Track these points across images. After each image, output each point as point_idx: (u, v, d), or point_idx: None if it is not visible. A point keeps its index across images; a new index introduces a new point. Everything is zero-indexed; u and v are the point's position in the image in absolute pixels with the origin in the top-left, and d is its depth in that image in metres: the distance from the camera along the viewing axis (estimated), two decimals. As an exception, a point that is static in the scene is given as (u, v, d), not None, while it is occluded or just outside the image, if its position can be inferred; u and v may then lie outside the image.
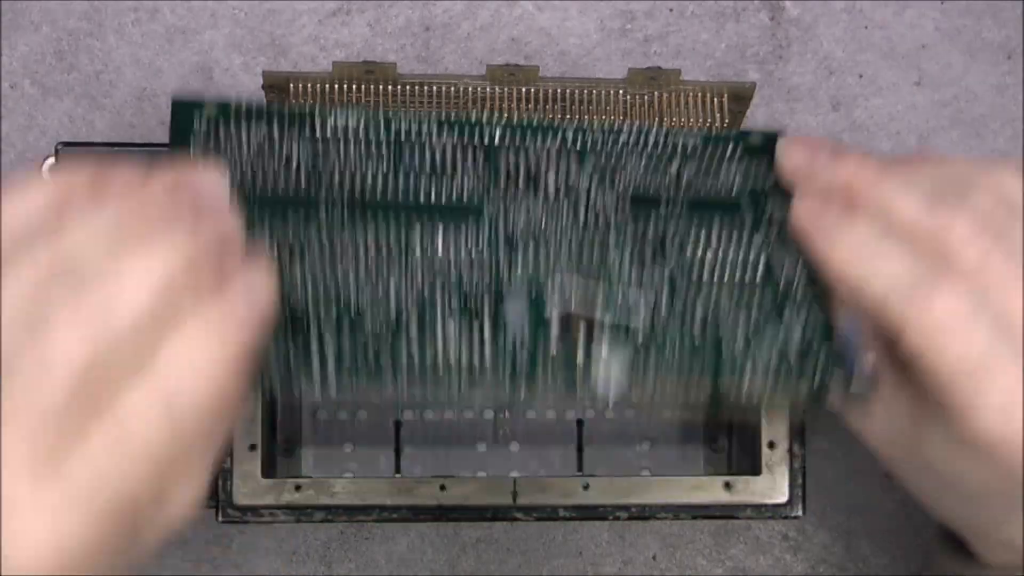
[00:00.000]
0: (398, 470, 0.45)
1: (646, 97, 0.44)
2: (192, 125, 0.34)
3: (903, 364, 0.33)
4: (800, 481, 0.43)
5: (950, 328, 0.31)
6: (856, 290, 0.33)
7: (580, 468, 0.46)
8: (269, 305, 0.31)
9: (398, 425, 0.45)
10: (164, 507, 0.29)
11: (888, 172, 0.34)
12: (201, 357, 0.28)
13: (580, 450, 0.46)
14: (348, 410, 0.45)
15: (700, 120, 0.44)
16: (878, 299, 0.33)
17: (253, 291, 0.30)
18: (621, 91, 0.44)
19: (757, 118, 0.53)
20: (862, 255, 0.33)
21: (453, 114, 0.36)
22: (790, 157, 0.36)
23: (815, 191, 0.35)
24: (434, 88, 0.43)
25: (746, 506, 0.43)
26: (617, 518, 0.42)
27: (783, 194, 0.35)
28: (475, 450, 0.45)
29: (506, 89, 0.43)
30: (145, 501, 0.28)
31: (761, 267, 0.34)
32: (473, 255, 0.33)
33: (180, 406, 0.28)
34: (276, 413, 0.43)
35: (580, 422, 0.46)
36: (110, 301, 0.28)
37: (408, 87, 0.43)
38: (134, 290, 0.28)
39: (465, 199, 0.35)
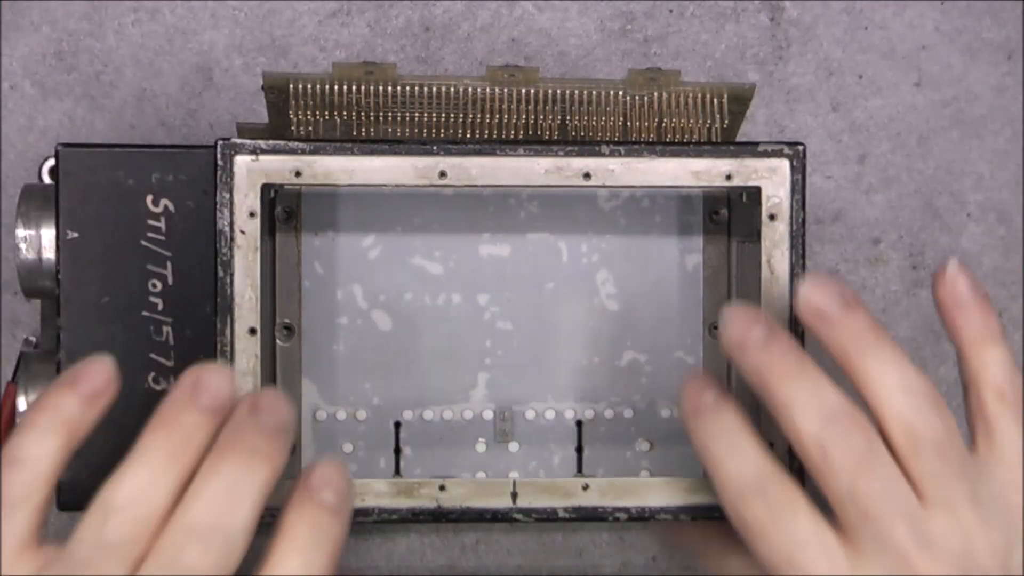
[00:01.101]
0: (397, 472, 0.45)
1: (646, 98, 0.44)
2: None
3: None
4: (799, 482, 0.43)
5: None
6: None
7: (580, 469, 0.46)
8: None
9: (397, 425, 0.45)
10: None
11: (803, 376, 0.37)
12: None
13: (579, 451, 0.46)
14: (347, 410, 0.45)
15: (700, 121, 0.44)
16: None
17: None
18: (621, 92, 0.44)
19: (757, 118, 0.53)
20: (719, 447, 0.38)
21: None
22: (809, 298, 0.38)
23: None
24: (434, 89, 0.43)
25: (746, 507, 0.43)
26: (617, 519, 0.42)
27: None
28: (475, 450, 0.46)
29: (506, 90, 0.43)
30: None
31: None
32: None
33: None
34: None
35: (579, 423, 0.46)
36: None
37: (408, 88, 0.43)
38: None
39: None
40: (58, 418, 0.36)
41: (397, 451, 0.45)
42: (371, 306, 0.45)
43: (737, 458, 0.37)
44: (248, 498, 0.35)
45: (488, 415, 0.45)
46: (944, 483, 0.37)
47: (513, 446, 0.45)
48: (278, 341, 0.44)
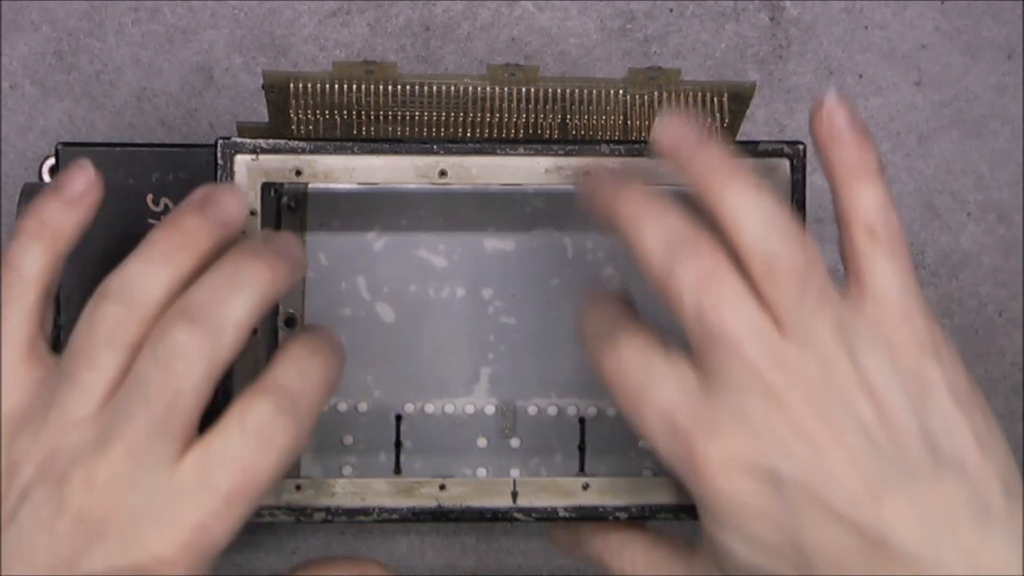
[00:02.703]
0: (398, 469, 0.45)
1: (646, 97, 0.44)
2: None
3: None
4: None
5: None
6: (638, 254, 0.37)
7: (582, 468, 0.46)
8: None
9: (399, 419, 0.45)
10: None
11: (649, 205, 0.37)
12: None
13: (582, 449, 0.46)
14: (348, 402, 0.45)
15: (700, 120, 0.44)
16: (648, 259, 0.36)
17: None
18: (621, 91, 0.44)
19: (757, 118, 0.53)
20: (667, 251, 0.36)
21: None
22: (663, 134, 0.38)
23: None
24: (434, 88, 0.43)
25: (746, 506, 0.43)
26: (617, 518, 0.42)
27: None
28: (476, 445, 0.45)
29: (506, 89, 0.43)
30: None
31: None
32: None
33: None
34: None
35: (582, 420, 0.46)
36: None
37: (408, 87, 0.43)
38: None
39: None
40: (42, 223, 0.36)
41: (398, 444, 0.45)
42: (375, 298, 0.45)
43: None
44: (245, 291, 0.35)
45: (490, 410, 0.45)
46: (803, 312, 0.35)
47: (515, 442, 0.45)
48: (280, 332, 0.44)
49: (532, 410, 0.45)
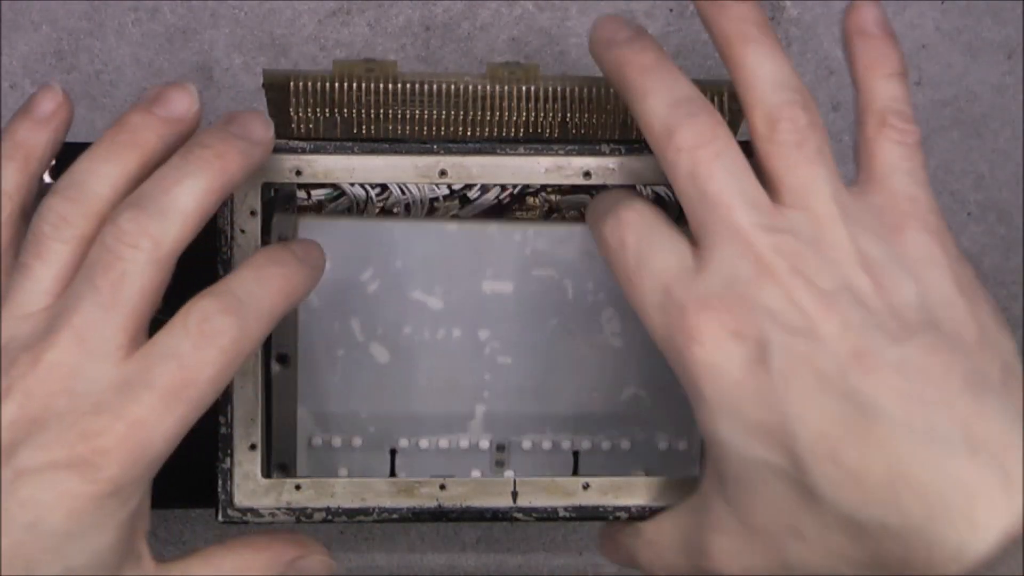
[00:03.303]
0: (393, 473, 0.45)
1: (646, 96, 0.44)
2: None
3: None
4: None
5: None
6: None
7: (575, 472, 0.45)
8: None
9: (392, 453, 0.45)
10: None
11: (659, 68, 0.37)
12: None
13: (576, 454, 0.45)
14: (343, 437, 0.45)
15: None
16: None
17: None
18: (621, 90, 0.44)
19: (757, 118, 0.54)
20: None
21: None
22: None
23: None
24: (434, 86, 0.43)
25: (746, 506, 0.43)
26: (617, 518, 0.42)
27: None
28: (470, 477, 0.45)
29: (506, 88, 0.43)
30: None
31: None
32: None
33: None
34: (271, 438, 0.43)
35: (576, 453, 0.45)
36: None
37: (409, 85, 0.43)
38: None
39: None
40: (14, 143, 0.37)
41: (392, 475, 0.45)
42: (368, 339, 0.44)
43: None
44: (191, 178, 0.35)
45: (484, 445, 0.45)
46: (798, 171, 0.35)
47: (508, 473, 0.45)
48: (273, 368, 0.44)
49: (527, 444, 0.45)
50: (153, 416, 0.33)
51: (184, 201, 0.35)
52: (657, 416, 0.45)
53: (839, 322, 0.34)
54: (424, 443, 0.45)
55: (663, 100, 0.36)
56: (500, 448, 0.45)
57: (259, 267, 0.36)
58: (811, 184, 0.35)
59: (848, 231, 0.35)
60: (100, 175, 0.36)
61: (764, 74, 0.36)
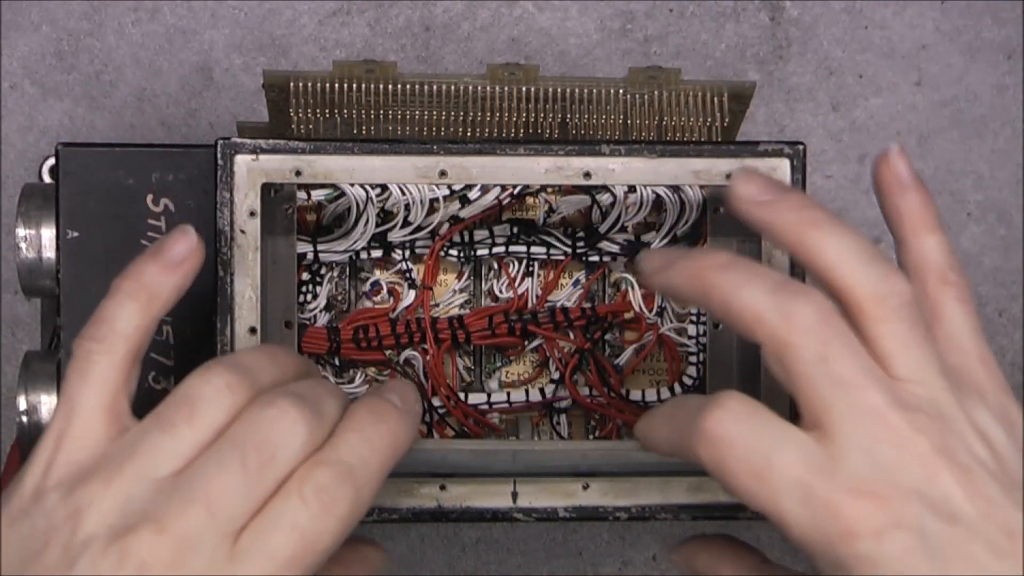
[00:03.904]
0: None
1: (646, 96, 0.44)
2: None
3: None
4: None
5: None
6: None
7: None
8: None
9: None
10: None
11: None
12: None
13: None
14: None
15: (700, 120, 0.44)
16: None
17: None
18: (621, 90, 0.44)
19: (757, 118, 0.53)
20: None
21: None
22: (742, 190, 0.37)
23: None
24: (434, 87, 0.43)
25: (746, 506, 0.43)
26: (617, 518, 0.42)
27: None
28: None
29: (506, 88, 0.43)
30: None
31: None
32: None
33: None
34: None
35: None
36: None
37: (408, 86, 0.43)
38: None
39: None
40: (140, 284, 0.36)
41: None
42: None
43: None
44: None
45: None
46: (913, 353, 0.35)
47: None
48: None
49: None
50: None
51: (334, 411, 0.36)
52: None
53: (984, 500, 0.34)
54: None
55: (761, 291, 0.35)
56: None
57: (363, 428, 0.36)
58: (926, 361, 0.35)
59: (959, 401, 0.35)
60: (265, 360, 0.36)
61: (852, 252, 0.36)
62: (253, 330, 0.41)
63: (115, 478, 0.33)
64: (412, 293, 0.46)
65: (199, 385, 0.35)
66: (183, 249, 0.37)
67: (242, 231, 0.41)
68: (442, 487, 0.42)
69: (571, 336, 0.47)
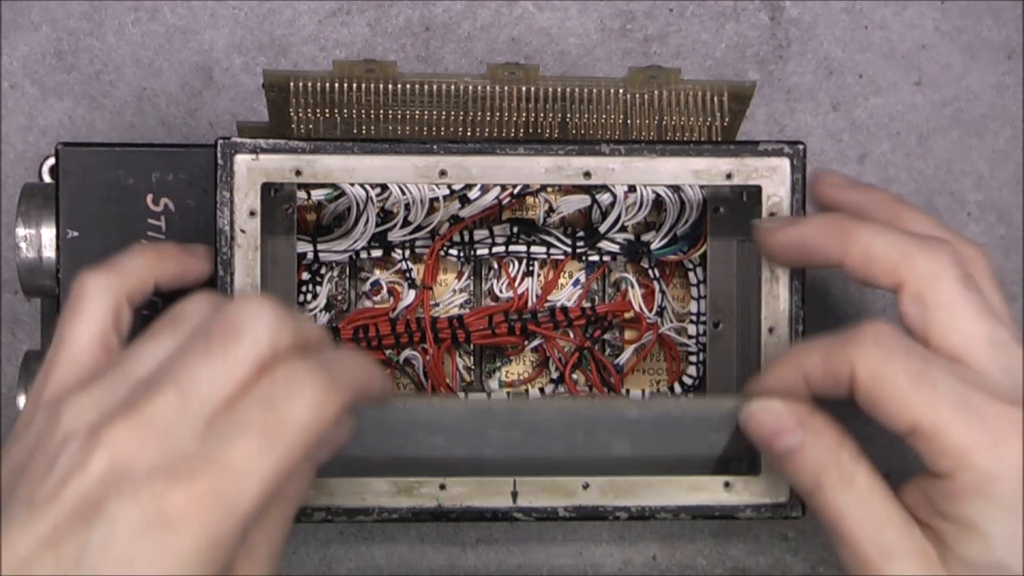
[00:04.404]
0: None
1: (646, 96, 0.44)
2: None
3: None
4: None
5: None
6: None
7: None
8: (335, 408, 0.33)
9: None
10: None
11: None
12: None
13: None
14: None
15: (700, 119, 0.44)
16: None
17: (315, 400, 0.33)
18: (621, 90, 0.44)
19: (757, 118, 0.53)
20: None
21: None
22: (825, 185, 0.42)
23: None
24: (434, 87, 0.43)
25: (746, 506, 0.43)
26: (617, 518, 0.42)
27: None
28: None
29: (506, 88, 0.43)
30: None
31: None
32: None
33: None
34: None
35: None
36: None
37: (408, 86, 0.43)
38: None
39: None
40: (152, 247, 0.40)
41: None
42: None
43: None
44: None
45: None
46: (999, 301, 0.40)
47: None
48: None
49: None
50: (247, 462, 0.32)
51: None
52: None
53: None
54: None
55: (900, 233, 0.40)
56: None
57: (342, 350, 0.36)
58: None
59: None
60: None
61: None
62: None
63: (95, 384, 0.34)
64: (412, 293, 0.46)
65: (182, 304, 0.35)
66: (204, 251, 0.41)
67: (242, 231, 0.41)
68: (442, 487, 0.42)
69: (571, 336, 0.47)
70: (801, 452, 0.38)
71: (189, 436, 0.32)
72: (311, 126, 0.43)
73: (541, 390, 0.47)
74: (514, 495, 0.42)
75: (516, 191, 0.44)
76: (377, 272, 0.47)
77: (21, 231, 0.43)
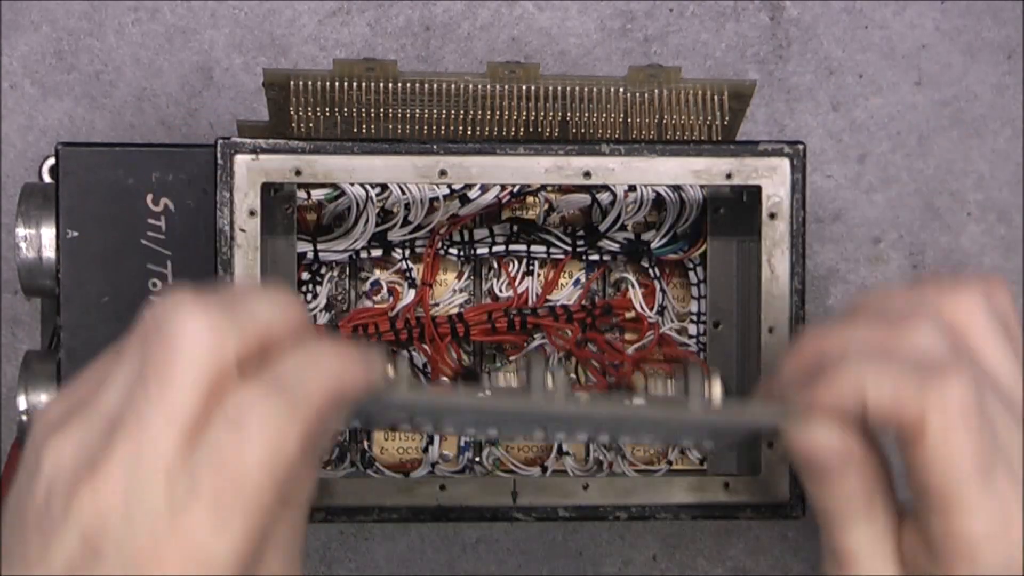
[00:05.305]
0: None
1: (646, 95, 0.44)
2: None
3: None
4: (800, 481, 0.43)
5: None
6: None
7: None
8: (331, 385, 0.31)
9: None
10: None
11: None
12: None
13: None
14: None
15: (700, 118, 0.44)
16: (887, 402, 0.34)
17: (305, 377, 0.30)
18: (621, 89, 0.44)
19: (757, 117, 0.53)
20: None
21: None
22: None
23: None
24: (434, 86, 0.43)
25: (746, 506, 0.43)
26: (617, 518, 0.42)
27: None
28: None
29: (507, 87, 0.43)
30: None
31: None
32: None
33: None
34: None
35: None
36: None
37: (409, 85, 0.43)
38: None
39: None
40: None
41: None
42: None
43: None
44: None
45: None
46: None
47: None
48: None
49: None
50: (205, 533, 0.29)
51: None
52: None
53: None
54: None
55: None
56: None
57: (306, 346, 0.31)
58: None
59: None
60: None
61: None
62: None
63: (72, 424, 0.31)
64: (412, 292, 0.46)
65: (142, 315, 0.31)
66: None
67: (242, 231, 0.41)
68: (442, 487, 0.42)
69: (570, 335, 0.47)
70: (842, 481, 0.36)
71: (151, 498, 0.29)
72: (311, 125, 0.43)
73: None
74: (514, 495, 0.42)
75: (516, 190, 0.44)
76: (377, 272, 0.47)
77: (21, 231, 0.43)
